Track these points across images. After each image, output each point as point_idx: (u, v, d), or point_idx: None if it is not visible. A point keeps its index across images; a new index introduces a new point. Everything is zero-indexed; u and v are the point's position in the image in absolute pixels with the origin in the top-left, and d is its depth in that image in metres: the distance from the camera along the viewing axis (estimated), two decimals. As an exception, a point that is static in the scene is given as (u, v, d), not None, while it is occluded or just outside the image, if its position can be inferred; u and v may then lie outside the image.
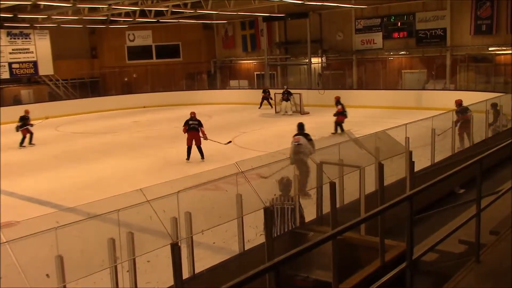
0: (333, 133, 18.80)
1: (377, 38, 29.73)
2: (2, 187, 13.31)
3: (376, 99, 27.11)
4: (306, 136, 11.33)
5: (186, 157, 15.48)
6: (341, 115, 19.27)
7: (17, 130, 20.18)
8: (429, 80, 27.94)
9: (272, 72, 34.04)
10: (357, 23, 30.45)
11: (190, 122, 15.76)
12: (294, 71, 33.99)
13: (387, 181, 7.73)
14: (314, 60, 31.57)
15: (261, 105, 29.09)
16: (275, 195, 6.95)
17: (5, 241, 4.08)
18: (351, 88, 30.09)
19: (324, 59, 31.91)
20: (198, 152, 15.51)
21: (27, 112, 20.91)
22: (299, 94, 26.32)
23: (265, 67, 33.58)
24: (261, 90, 30.05)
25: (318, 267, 6.13)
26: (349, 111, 19.83)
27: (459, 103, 14.73)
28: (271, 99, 28.71)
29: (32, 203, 11.74)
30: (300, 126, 11.74)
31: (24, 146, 20.09)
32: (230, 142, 12.26)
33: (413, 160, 8.24)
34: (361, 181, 7.32)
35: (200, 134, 15.66)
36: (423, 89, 27.22)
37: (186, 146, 15.56)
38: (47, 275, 4.37)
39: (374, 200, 7.11)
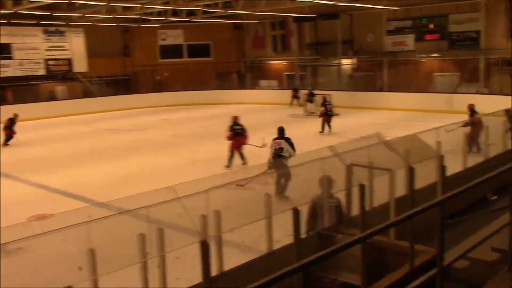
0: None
1: (409, 40, 29.36)
2: (37, 180, 13.68)
3: (407, 102, 26.77)
4: (287, 140, 11.37)
5: (226, 163, 14.33)
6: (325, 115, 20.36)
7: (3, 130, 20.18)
8: (461, 83, 27.44)
9: (302, 72, 33.96)
10: (388, 24, 30.13)
11: (236, 127, 14.67)
12: (324, 72, 33.83)
13: (418, 185, 7.63)
14: (345, 61, 31.35)
15: (291, 103, 29.59)
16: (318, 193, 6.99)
17: (40, 232, 4.19)
18: (381, 90, 29.79)
19: (355, 60, 31.67)
20: (240, 158, 14.57)
21: (16, 115, 20.85)
22: (329, 95, 26.15)
23: (295, 68, 33.52)
24: (291, 89, 30.38)
25: (346, 269, 6.11)
26: (374, 113, 20.03)
27: (471, 107, 15.32)
28: (299, 98, 29.12)
29: (65, 197, 12.00)
30: (281, 130, 11.78)
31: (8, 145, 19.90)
32: (265, 145, 12.24)
33: (444, 164, 8.11)
34: (391, 184, 7.25)
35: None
36: (455, 92, 26.74)
37: (229, 153, 14.47)
38: (80, 267, 4.46)
39: (404, 204, 7.03)
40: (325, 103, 21.26)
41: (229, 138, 14.39)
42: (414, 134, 8.51)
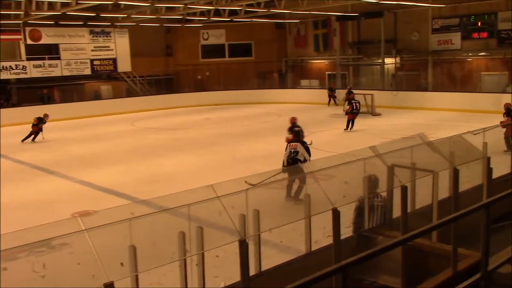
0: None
1: (455, 38, 28.63)
2: (82, 177, 14.05)
3: (452, 102, 26.10)
4: (303, 143, 11.19)
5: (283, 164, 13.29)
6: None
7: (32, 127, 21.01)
8: (510, 83, 26.55)
9: (344, 72, 33.64)
10: (434, 22, 29.47)
11: (295, 128, 13.80)
12: (366, 72, 33.41)
13: (462, 187, 7.44)
14: (388, 60, 30.88)
15: (329, 103, 29.68)
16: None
17: (84, 229, 4.30)
18: (425, 89, 29.16)
19: (398, 59, 31.14)
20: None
21: (46, 116, 21.47)
22: (371, 95, 25.82)
23: (336, 67, 33.24)
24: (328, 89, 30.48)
25: (386, 272, 6.01)
26: (417, 114, 19.86)
27: (507, 106, 15.50)
28: (336, 97, 29.34)
29: (108, 194, 12.27)
30: (297, 134, 11.58)
31: (30, 141, 20.75)
32: (310, 143, 12.08)
33: (490, 166, 7.88)
34: (434, 186, 7.09)
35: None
36: (504, 92, 25.87)
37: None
38: (122, 263, 4.55)
39: (447, 207, 6.87)
40: (352, 101, 21.62)
41: (288, 140, 13.97)
42: (459, 135, 8.28)
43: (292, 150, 11.05)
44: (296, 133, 11.59)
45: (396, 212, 6.92)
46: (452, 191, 7.11)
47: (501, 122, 14.16)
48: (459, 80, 27.86)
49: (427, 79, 30.03)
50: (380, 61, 30.78)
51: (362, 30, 32.85)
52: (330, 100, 29.84)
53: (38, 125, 21.01)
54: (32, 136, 20.87)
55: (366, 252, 3.02)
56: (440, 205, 7.05)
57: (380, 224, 6.90)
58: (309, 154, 11.10)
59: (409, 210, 6.82)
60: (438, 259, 6.01)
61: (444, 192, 7.36)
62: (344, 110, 26.03)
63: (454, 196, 6.91)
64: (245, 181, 8.77)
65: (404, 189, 6.41)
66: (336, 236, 5.81)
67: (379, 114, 25.14)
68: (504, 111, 15.67)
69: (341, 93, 28.34)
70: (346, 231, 6.70)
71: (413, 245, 5.80)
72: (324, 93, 31.41)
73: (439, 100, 26.53)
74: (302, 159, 10.93)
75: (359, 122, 21.19)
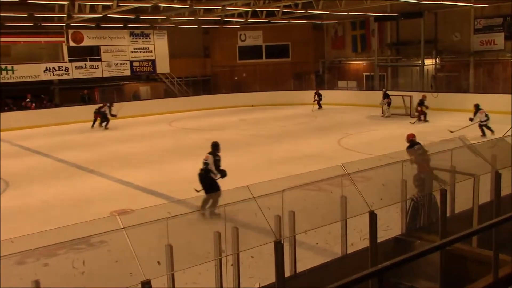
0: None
1: (498, 38, 27.85)
2: (120, 176, 14.32)
3: (495, 104, 25.32)
4: (215, 156, 11.01)
5: None
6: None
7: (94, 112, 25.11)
8: (556, 84, 25.65)
9: (382, 73, 33.20)
10: (476, 22, 28.75)
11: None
12: (405, 73, 32.87)
13: (504, 191, 7.23)
14: (427, 61, 30.32)
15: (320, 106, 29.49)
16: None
17: (122, 227, 4.37)
18: (466, 91, 28.46)
19: (438, 60, 30.53)
20: None
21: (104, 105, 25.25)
22: (410, 96, 25.39)
23: (374, 68, 32.85)
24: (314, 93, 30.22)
25: (423, 277, 5.90)
26: (458, 116, 20.65)
27: None
28: (318, 100, 29.53)
29: (145, 193, 12.47)
30: (212, 146, 11.33)
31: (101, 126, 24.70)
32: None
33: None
34: (475, 190, 6.92)
35: None
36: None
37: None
38: (158, 262, 4.61)
39: (488, 211, 6.69)
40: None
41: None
42: (501, 137, 8.06)
43: (203, 161, 11.00)
44: (212, 145, 11.38)
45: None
46: (493, 195, 6.93)
47: None
48: (502, 82, 27.07)
49: (468, 80, 29.32)
50: (420, 62, 30.23)
51: (401, 30, 32.36)
52: (316, 104, 29.61)
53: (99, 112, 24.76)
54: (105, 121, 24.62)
55: (404, 256, 2.98)
56: (481, 210, 6.88)
57: (434, 222, 6.83)
58: (218, 170, 10.91)
59: (448, 214, 6.68)
60: (478, 265, 5.86)
61: (485, 196, 7.17)
62: (383, 113, 25.72)
63: (495, 201, 6.73)
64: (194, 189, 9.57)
65: (443, 193, 6.28)
66: (372, 239, 5.73)
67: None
68: None
69: (378, 95, 27.92)
70: (383, 234, 6.62)
71: (451, 250, 5.67)
72: (363, 94, 31.11)
73: (480, 102, 25.78)
74: (212, 170, 10.89)
75: (397, 124, 20.87)
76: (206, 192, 10.74)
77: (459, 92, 27.77)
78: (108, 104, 25.33)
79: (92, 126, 25.01)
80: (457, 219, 7.11)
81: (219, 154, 11.24)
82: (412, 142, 11.05)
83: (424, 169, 7.29)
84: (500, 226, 3.92)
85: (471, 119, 18.95)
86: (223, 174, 11.00)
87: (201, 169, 10.95)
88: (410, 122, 19.68)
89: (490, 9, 27.55)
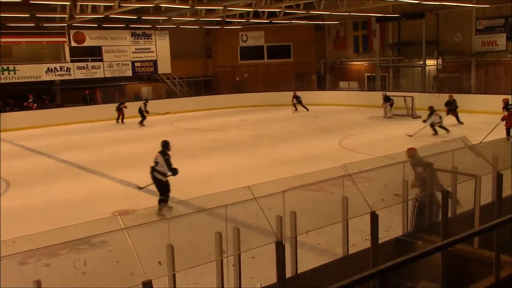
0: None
1: (500, 39, 27.82)
2: (121, 177, 14.32)
3: (496, 105, 25.23)
4: (164, 155, 10.98)
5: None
6: None
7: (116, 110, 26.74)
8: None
9: (384, 74, 33.19)
10: (478, 23, 28.72)
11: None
12: (406, 73, 32.85)
13: (506, 192, 7.22)
14: (429, 62, 30.29)
15: (296, 110, 29.31)
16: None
17: (123, 227, 4.38)
18: (468, 92, 28.42)
19: (440, 61, 30.51)
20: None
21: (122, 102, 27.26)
22: (411, 97, 25.37)
23: (376, 69, 32.84)
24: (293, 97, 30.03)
25: (424, 277, 5.90)
26: (463, 117, 20.70)
27: (506, 101, 17.95)
28: (301, 103, 29.36)
29: (147, 193, 12.44)
30: (162, 144, 11.29)
31: (119, 123, 26.64)
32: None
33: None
34: (477, 190, 6.91)
35: None
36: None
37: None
38: (159, 262, 4.61)
39: (490, 212, 6.69)
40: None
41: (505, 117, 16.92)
42: (503, 138, 8.05)
43: (154, 160, 11.02)
44: (162, 143, 11.32)
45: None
46: (495, 196, 6.92)
47: (503, 118, 17.33)
48: (504, 83, 27.03)
49: (470, 81, 29.29)
50: (421, 62, 30.22)
51: (403, 31, 32.34)
52: (119, 118, 28.67)
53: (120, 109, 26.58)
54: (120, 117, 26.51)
55: (405, 257, 2.97)
56: (483, 211, 6.87)
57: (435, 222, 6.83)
58: (170, 168, 10.94)
59: (450, 215, 6.68)
60: (480, 265, 5.85)
61: (486, 197, 7.17)
62: (385, 114, 25.69)
63: (497, 201, 6.72)
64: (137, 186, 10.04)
65: (445, 194, 6.28)
66: (374, 240, 5.73)
67: (420, 117, 24.66)
68: (503, 105, 18.06)
69: (380, 96, 27.89)
70: (384, 235, 6.62)
71: (453, 251, 5.66)
72: (365, 95, 31.09)
73: (482, 103, 25.81)
74: (161, 170, 10.90)
75: (399, 124, 20.86)
76: (158, 190, 10.95)
77: (461, 93, 27.69)
78: (144, 101, 26.35)
79: (117, 121, 26.76)
80: (458, 220, 7.10)
81: (169, 152, 11.23)
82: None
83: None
84: (501, 227, 3.91)
85: (424, 121, 19.58)
86: (174, 172, 11.04)
87: (151, 167, 11.01)
88: (409, 135, 19.46)
89: (492, 9, 27.52)
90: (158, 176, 10.95)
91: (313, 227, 5.79)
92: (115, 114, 27.04)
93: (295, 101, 29.57)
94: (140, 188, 11.10)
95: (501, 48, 27.80)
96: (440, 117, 19.68)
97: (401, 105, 25.72)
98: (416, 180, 6.98)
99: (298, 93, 30.00)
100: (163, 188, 10.96)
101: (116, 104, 27.14)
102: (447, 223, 6.24)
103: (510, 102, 17.89)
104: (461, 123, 21.52)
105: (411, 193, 6.81)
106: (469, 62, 29.32)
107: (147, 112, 25.81)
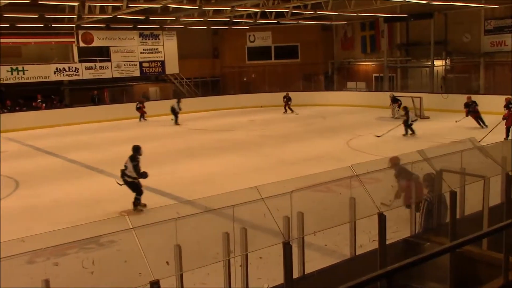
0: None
1: (509, 39, 27.65)
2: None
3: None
4: (133, 160, 11.04)
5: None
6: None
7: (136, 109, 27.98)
8: None
9: (392, 74, 33.08)
10: (486, 23, 28.58)
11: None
12: (414, 74, 32.74)
13: (514, 194, 7.18)
14: (437, 62, 30.17)
15: (286, 111, 29.47)
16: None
17: (131, 227, 4.39)
18: (477, 92, 28.26)
19: (448, 61, 30.37)
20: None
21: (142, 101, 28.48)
22: (419, 97, 25.29)
23: (384, 69, 32.74)
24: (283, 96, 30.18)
25: (432, 279, 5.87)
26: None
27: (508, 100, 18.64)
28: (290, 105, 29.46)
29: (154, 193, 12.49)
30: (133, 149, 11.32)
31: (144, 120, 27.96)
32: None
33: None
34: (485, 192, 6.87)
35: None
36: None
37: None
38: (167, 262, 4.62)
39: (499, 214, 6.65)
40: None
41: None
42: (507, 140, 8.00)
43: (124, 164, 11.14)
44: (133, 148, 11.35)
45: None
46: (504, 197, 6.88)
47: (504, 116, 18.10)
48: (513, 83, 26.87)
49: (479, 81, 29.14)
50: (429, 63, 30.11)
51: (411, 31, 32.23)
52: (286, 108, 29.60)
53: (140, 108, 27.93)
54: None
55: (413, 258, 2.96)
56: (491, 212, 6.83)
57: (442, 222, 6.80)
58: (138, 174, 11.03)
59: (458, 216, 6.64)
60: (488, 267, 5.82)
61: (495, 198, 7.13)
62: (393, 115, 25.60)
63: (506, 203, 6.68)
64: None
65: (453, 195, 6.25)
66: (381, 241, 5.71)
67: (428, 117, 24.60)
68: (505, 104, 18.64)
69: (387, 96, 27.80)
70: (392, 236, 6.59)
71: (462, 252, 5.63)
72: (373, 95, 31.01)
73: (491, 103, 25.61)
74: (130, 174, 11.00)
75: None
76: (132, 191, 11.12)
77: (470, 93, 27.55)
78: (177, 100, 26.97)
79: (139, 120, 27.91)
80: (467, 221, 7.07)
81: (139, 156, 11.29)
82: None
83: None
84: (510, 228, 3.89)
85: (407, 121, 19.92)
86: (143, 176, 11.15)
87: (121, 171, 11.16)
88: (376, 136, 19.68)
89: (500, 10, 27.36)
90: (129, 179, 11.09)
91: (320, 227, 5.78)
92: (124, 115, 27.30)
93: (285, 102, 29.63)
94: (119, 184, 11.15)
95: (510, 48, 27.62)
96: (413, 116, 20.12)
97: (409, 105, 25.60)
98: (400, 191, 6.90)
99: (305, 93, 30.18)
100: (136, 189, 11.11)
101: (135, 104, 28.43)
102: (455, 224, 6.21)
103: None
104: (484, 126, 20.67)
105: (395, 204, 6.73)
106: (477, 62, 29.17)
107: (180, 109, 26.34)
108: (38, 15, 24.34)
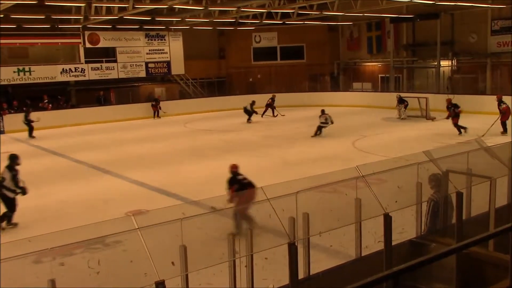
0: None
1: (516, 40, 27.55)
2: (135, 177, 14.40)
3: (512, 106, 25.07)
4: (11, 170, 10.22)
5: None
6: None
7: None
8: None
9: (398, 75, 32.99)
10: (493, 24, 28.45)
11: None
12: (421, 74, 32.64)
13: (521, 195, 7.15)
14: (444, 63, 30.06)
15: (154, 116, 29.69)
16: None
17: (137, 227, 4.40)
18: (483, 93, 28.17)
19: (454, 62, 30.26)
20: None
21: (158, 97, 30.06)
22: (425, 98, 25.20)
23: (390, 70, 32.66)
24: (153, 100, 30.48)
25: (438, 280, 5.85)
26: (475, 118, 21.13)
27: (499, 98, 19.46)
28: (160, 109, 29.78)
29: (160, 194, 12.53)
30: (10, 158, 10.42)
31: (155, 118, 29.18)
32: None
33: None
34: (492, 193, 6.84)
35: None
36: None
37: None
38: (173, 262, 4.62)
39: (505, 215, 6.62)
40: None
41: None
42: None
43: (1, 176, 10.24)
44: (9, 157, 10.41)
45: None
46: (510, 199, 6.85)
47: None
48: (520, 84, 26.74)
49: (486, 82, 29.01)
50: (436, 63, 30.01)
51: (417, 32, 32.13)
52: (155, 113, 29.61)
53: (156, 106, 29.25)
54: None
55: (419, 259, 2.95)
56: (498, 213, 6.80)
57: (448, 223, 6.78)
58: (18, 187, 10.21)
59: (464, 217, 6.61)
60: (495, 268, 5.79)
61: (502, 199, 7.09)
62: (399, 116, 25.54)
63: (513, 204, 6.65)
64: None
65: (459, 196, 6.22)
66: (387, 242, 5.70)
67: (434, 118, 24.51)
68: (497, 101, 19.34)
69: (394, 97, 27.70)
70: (398, 237, 6.58)
71: (468, 253, 5.61)
72: (378, 96, 30.92)
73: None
74: (8, 186, 10.17)
75: (413, 126, 20.73)
76: (5, 207, 10.18)
77: (476, 94, 27.49)
78: (251, 102, 26.59)
79: (154, 117, 29.10)
80: (473, 223, 7.04)
81: (18, 168, 10.43)
82: (234, 174, 9.69)
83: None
84: (517, 229, 3.87)
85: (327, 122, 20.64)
86: (23, 191, 10.36)
87: None
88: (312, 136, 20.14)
89: (507, 10, 27.23)
90: (7, 193, 10.18)
91: (326, 228, 5.77)
92: (130, 115, 27.39)
93: (154, 106, 29.70)
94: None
95: (517, 48, 27.51)
96: (326, 119, 20.35)
97: (415, 106, 25.56)
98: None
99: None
100: (9, 205, 10.24)
101: (151, 102, 29.73)
102: (461, 225, 6.18)
103: (503, 99, 19.27)
104: (464, 133, 19.28)
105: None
106: (484, 63, 29.05)
107: (255, 112, 26.37)
108: (44, 16, 24.42)
